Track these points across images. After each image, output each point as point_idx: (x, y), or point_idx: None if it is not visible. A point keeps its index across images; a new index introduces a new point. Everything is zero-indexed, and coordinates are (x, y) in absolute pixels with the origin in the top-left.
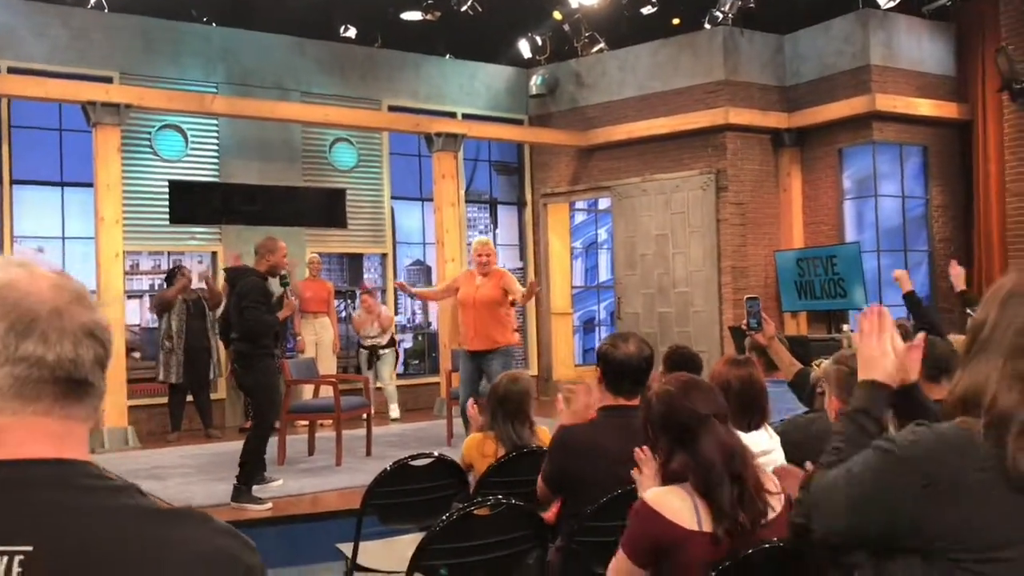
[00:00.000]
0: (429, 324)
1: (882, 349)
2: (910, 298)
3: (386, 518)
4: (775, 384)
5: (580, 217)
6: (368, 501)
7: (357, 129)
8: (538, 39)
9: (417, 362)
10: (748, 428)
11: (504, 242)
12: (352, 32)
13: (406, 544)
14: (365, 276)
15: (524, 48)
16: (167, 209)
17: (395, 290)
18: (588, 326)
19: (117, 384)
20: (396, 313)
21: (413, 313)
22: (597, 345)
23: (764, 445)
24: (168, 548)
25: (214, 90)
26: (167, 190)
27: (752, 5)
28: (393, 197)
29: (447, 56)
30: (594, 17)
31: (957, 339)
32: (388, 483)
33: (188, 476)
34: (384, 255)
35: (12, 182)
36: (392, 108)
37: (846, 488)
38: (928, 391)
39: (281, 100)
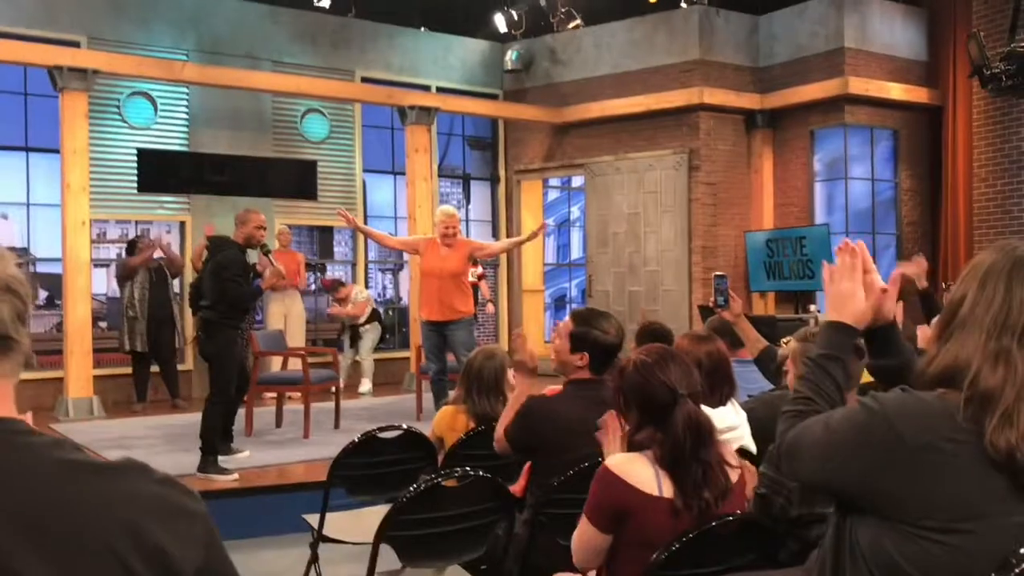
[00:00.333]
0: (400, 299)
1: (853, 288)
2: (926, 298)
3: (353, 490)
4: (739, 363)
5: (553, 194)
6: (335, 472)
7: (329, 100)
8: (514, 13)
9: (388, 336)
10: (717, 403)
11: (477, 218)
12: (325, 1)
13: (373, 515)
14: (329, 273)
15: (500, 22)
16: (135, 177)
17: (365, 265)
18: (560, 303)
19: (82, 353)
20: (367, 287)
21: (383, 288)
22: (573, 326)
23: (730, 421)
24: (107, 501)
25: (184, 57)
26: (135, 158)
27: None
28: (365, 170)
29: (422, 28)
30: None
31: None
32: (355, 455)
33: (154, 447)
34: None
35: None
36: (365, 80)
37: (824, 439)
38: None
39: (252, 69)
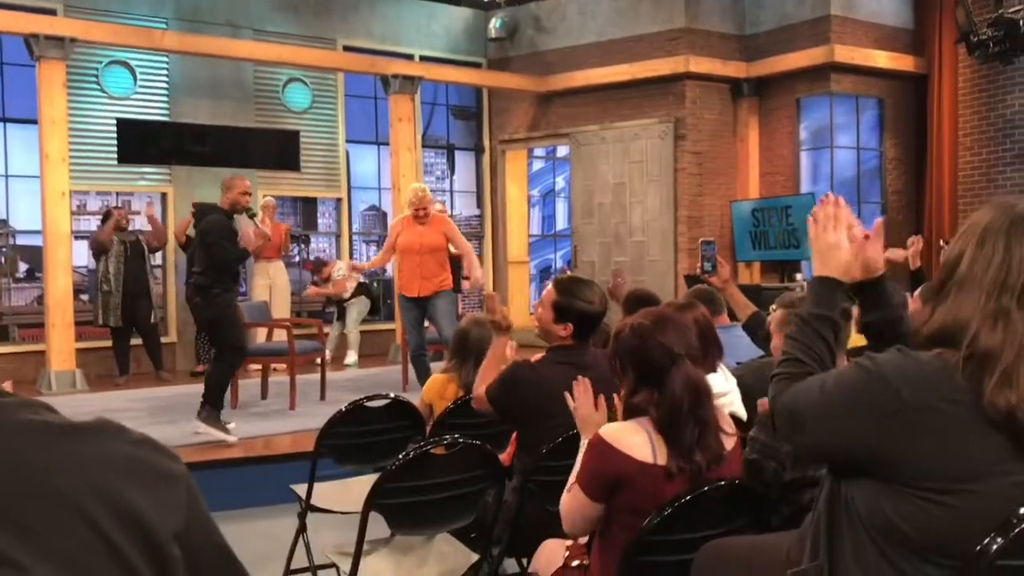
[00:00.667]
0: (384, 271)
1: (838, 239)
2: (917, 277)
3: (341, 459)
4: (720, 329)
5: (538, 165)
6: (322, 442)
7: (311, 69)
8: None
9: (380, 308)
10: (709, 369)
11: (461, 189)
12: None
13: (361, 484)
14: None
15: None
16: (115, 148)
17: (350, 237)
18: (545, 275)
19: (64, 326)
20: (352, 258)
21: (368, 259)
22: (556, 296)
23: (720, 387)
24: (77, 463)
25: (164, 25)
26: (115, 128)
27: None
28: (348, 140)
29: None
30: None
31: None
32: (343, 424)
33: (138, 419)
34: (339, 200)
35: None
36: (347, 48)
37: (819, 402)
38: None
39: (233, 38)
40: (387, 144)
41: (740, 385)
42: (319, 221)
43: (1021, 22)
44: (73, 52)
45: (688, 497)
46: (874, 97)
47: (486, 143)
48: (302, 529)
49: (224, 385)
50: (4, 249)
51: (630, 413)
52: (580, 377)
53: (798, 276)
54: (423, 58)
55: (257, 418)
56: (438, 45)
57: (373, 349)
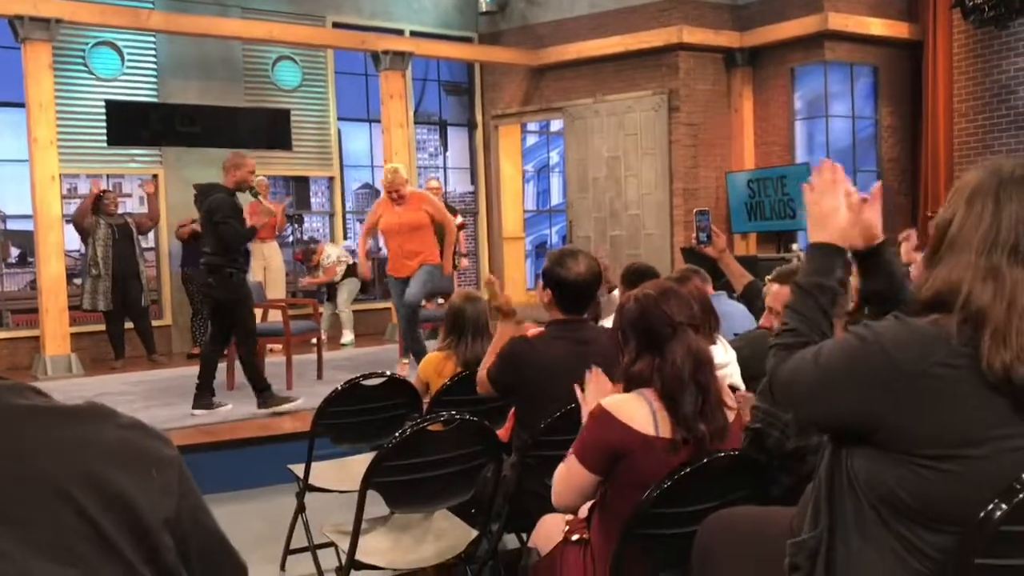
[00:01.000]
0: (379, 250)
1: (835, 203)
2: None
3: (338, 438)
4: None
5: (532, 140)
6: (319, 421)
7: (301, 47)
8: None
9: (371, 288)
10: (708, 340)
11: (455, 165)
12: None
13: (359, 463)
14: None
15: None
16: (104, 130)
17: (343, 215)
18: (540, 250)
19: (57, 311)
20: (345, 237)
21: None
22: (546, 262)
23: (720, 358)
24: (65, 447)
25: (150, 5)
26: (104, 110)
27: None
28: (340, 118)
29: None
30: None
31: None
32: (339, 403)
33: (133, 403)
34: (331, 178)
35: None
36: (337, 25)
37: (817, 372)
38: None
39: (221, 16)
40: (379, 121)
41: (739, 357)
42: (312, 200)
43: None
44: (59, 33)
45: (688, 469)
46: (869, 65)
47: (479, 118)
48: (301, 509)
49: (257, 365)
50: None
51: (631, 383)
52: (595, 370)
53: (794, 246)
54: (413, 33)
55: (254, 399)
56: (428, 20)
57: (369, 328)
